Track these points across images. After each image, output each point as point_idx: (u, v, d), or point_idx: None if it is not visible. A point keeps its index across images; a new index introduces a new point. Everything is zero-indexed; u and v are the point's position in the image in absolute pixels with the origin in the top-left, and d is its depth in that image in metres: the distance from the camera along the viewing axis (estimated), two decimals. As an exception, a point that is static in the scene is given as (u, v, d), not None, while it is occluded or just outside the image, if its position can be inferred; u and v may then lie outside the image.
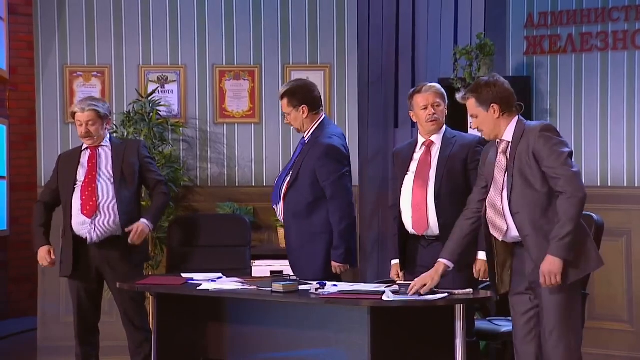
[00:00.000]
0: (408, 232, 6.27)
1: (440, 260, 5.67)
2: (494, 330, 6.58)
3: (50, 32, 8.84)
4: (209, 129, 8.86)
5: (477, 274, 5.98)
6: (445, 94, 6.36)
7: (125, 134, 8.48)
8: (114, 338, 7.66)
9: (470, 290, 5.79)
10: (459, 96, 5.69)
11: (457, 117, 7.47)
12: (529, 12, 8.59)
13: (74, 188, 7.01)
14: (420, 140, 6.34)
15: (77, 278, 7.01)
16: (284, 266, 7.87)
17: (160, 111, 8.62)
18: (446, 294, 5.65)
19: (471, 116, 5.60)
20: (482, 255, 5.92)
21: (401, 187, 6.27)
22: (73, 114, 7.11)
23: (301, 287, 6.08)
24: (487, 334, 6.61)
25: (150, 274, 7.94)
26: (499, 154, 5.52)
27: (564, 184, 5.23)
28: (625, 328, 8.24)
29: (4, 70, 10.74)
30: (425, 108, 6.23)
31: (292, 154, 7.24)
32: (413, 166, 6.27)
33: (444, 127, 6.35)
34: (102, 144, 7.13)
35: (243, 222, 7.71)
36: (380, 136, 9.55)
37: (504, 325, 6.48)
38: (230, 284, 6.35)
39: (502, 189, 5.46)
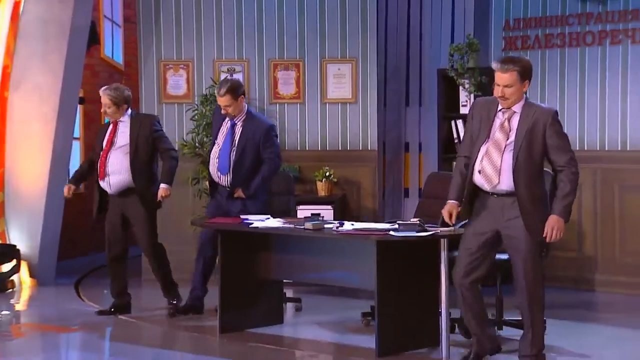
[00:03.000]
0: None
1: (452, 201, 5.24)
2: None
3: (149, 35, 8.95)
4: (265, 107, 8.84)
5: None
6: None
7: (204, 110, 8.60)
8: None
9: (452, 228, 5.48)
10: (496, 66, 5.07)
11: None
12: (506, 18, 8.53)
13: (100, 154, 7.08)
14: None
15: (104, 219, 7.12)
16: (320, 210, 7.85)
17: (229, 94, 8.75)
18: (433, 232, 5.55)
19: (505, 86, 5.00)
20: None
21: None
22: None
23: (326, 226, 6.06)
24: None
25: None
26: (503, 119, 5.09)
27: (570, 160, 4.99)
28: (575, 255, 8.23)
29: (120, 64, 10.85)
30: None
31: (226, 133, 6.95)
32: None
33: None
34: (121, 119, 7.07)
35: (288, 177, 7.65)
36: (394, 113, 9.40)
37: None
38: (274, 222, 6.36)
39: (504, 150, 5.04)
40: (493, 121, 5.13)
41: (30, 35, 8.58)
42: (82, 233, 9.69)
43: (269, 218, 6.53)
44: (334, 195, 8.55)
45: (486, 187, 5.11)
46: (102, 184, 7.04)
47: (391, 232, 5.69)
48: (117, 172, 6.96)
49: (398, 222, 5.79)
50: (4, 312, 7.62)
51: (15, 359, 6.14)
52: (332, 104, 8.86)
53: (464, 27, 9.12)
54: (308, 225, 6.01)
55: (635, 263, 7.95)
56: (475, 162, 5.15)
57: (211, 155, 7.02)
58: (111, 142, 7.04)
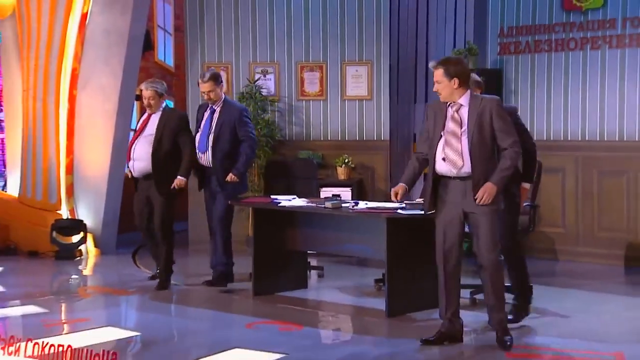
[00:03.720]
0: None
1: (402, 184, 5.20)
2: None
3: (195, 42, 8.99)
4: (293, 104, 8.88)
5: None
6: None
7: (241, 106, 8.66)
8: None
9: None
10: (430, 64, 5.10)
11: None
12: (501, 26, 8.48)
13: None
14: None
15: (135, 198, 6.94)
16: (340, 191, 7.96)
17: (262, 92, 8.72)
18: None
19: (436, 82, 4.99)
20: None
21: None
22: (140, 91, 6.93)
23: (343, 205, 6.06)
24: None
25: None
26: (452, 112, 4.97)
27: (513, 143, 4.89)
28: (560, 230, 8.22)
29: (171, 67, 10.81)
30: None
31: (206, 118, 6.81)
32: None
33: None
34: (155, 112, 6.84)
35: (312, 163, 7.68)
36: (404, 109, 9.41)
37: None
38: (300, 202, 6.39)
39: (461, 136, 4.92)
40: (445, 117, 5.00)
41: (95, 43, 8.64)
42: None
43: (294, 198, 6.55)
44: (352, 179, 8.58)
45: (453, 171, 4.95)
46: (129, 166, 6.89)
47: (399, 211, 5.72)
48: (140, 158, 6.77)
49: (405, 202, 5.73)
50: (73, 277, 7.77)
51: (82, 315, 6.24)
52: (351, 101, 8.88)
53: (464, 34, 9.11)
54: (328, 204, 6.03)
55: (611, 237, 7.93)
56: (436, 153, 5.00)
57: (196, 142, 6.82)
58: (141, 130, 6.84)
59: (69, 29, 8.65)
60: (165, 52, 10.61)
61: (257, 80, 8.75)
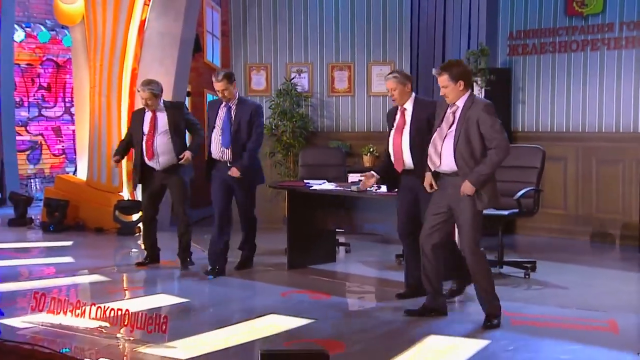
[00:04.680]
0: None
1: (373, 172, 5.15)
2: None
3: (238, 45, 9.03)
4: (324, 99, 8.90)
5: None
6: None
7: (278, 101, 8.64)
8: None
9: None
10: (434, 72, 4.77)
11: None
12: (510, 30, 8.43)
13: (143, 138, 6.45)
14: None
15: (144, 189, 6.63)
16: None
17: (297, 89, 8.74)
18: None
19: (442, 87, 4.69)
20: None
21: None
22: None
23: (368, 189, 5.88)
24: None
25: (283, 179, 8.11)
26: (449, 112, 4.72)
27: (497, 144, 4.55)
28: (562, 212, 8.16)
29: (218, 67, 10.73)
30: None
31: (223, 115, 6.19)
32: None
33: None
34: (158, 109, 6.46)
35: (341, 152, 7.61)
36: None
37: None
38: (329, 186, 6.38)
39: (445, 137, 4.66)
40: (444, 116, 4.76)
41: (152, 45, 8.70)
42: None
43: (324, 182, 6.53)
44: (376, 166, 8.50)
45: (432, 167, 4.76)
46: (150, 163, 6.45)
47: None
48: (164, 152, 6.41)
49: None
50: (133, 250, 7.81)
51: (139, 284, 6.30)
52: (376, 97, 8.85)
53: (477, 37, 9.01)
54: (354, 188, 6.00)
55: (607, 218, 7.85)
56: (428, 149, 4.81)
57: (213, 137, 6.22)
58: (154, 128, 6.43)
59: (130, 34, 8.74)
60: (213, 54, 10.63)
61: (293, 78, 8.78)
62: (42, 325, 4.59)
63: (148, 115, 6.50)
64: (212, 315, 5.24)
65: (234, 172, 6.11)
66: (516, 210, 6.10)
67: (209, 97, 10.02)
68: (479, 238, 4.70)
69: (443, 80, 4.67)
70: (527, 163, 6.32)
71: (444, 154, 4.67)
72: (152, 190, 6.62)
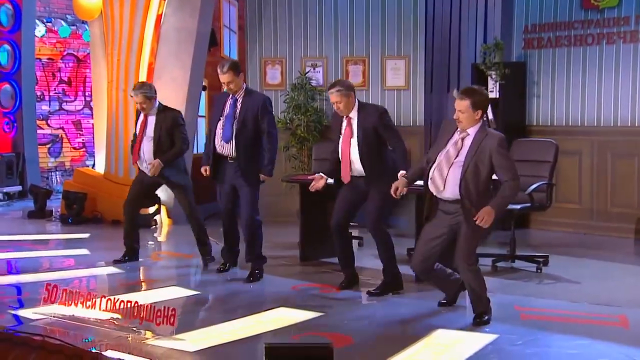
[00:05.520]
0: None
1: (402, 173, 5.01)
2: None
3: (254, 39, 8.99)
4: (339, 93, 8.89)
5: (393, 191, 4.94)
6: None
7: (293, 95, 8.62)
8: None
9: None
10: (455, 93, 4.62)
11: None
12: (525, 23, 8.33)
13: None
14: None
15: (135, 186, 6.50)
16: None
17: (312, 83, 8.70)
18: None
19: (459, 111, 4.55)
20: (402, 174, 5.04)
21: None
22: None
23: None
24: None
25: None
26: (458, 138, 4.61)
27: (512, 177, 4.47)
28: (576, 206, 8.06)
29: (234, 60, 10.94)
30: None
31: (228, 108, 5.83)
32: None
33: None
34: (150, 113, 6.24)
35: None
36: (438, 98, 9.18)
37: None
38: None
39: (452, 163, 4.55)
40: (450, 138, 4.65)
41: (168, 40, 8.71)
42: (204, 187, 9.82)
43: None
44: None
45: (435, 192, 4.64)
46: (140, 164, 6.32)
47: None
48: (150, 159, 6.20)
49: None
50: (149, 243, 7.83)
51: (154, 275, 6.34)
52: (390, 91, 8.80)
53: (493, 31, 8.93)
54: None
55: (622, 212, 7.75)
56: (430, 169, 4.65)
57: (217, 131, 5.87)
58: (143, 132, 6.24)
59: (147, 29, 8.75)
60: (230, 48, 10.64)
61: (308, 72, 8.73)
62: (53, 317, 4.62)
63: (141, 118, 6.32)
64: (221, 307, 5.25)
65: (264, 178, 5.90)
66: (528, 204, 6.05)
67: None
68: (475, 258, 4.66)
69: (463, 105, 4.55)
70: (540, 157, 6.29)
71: (449, 181, 4.56)
72: (145, 186, 6.49)
